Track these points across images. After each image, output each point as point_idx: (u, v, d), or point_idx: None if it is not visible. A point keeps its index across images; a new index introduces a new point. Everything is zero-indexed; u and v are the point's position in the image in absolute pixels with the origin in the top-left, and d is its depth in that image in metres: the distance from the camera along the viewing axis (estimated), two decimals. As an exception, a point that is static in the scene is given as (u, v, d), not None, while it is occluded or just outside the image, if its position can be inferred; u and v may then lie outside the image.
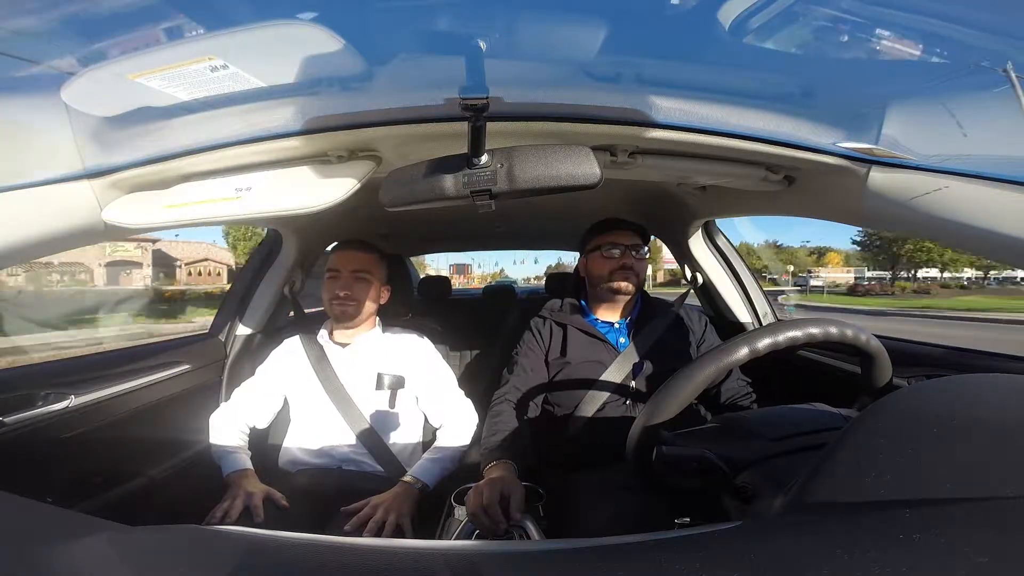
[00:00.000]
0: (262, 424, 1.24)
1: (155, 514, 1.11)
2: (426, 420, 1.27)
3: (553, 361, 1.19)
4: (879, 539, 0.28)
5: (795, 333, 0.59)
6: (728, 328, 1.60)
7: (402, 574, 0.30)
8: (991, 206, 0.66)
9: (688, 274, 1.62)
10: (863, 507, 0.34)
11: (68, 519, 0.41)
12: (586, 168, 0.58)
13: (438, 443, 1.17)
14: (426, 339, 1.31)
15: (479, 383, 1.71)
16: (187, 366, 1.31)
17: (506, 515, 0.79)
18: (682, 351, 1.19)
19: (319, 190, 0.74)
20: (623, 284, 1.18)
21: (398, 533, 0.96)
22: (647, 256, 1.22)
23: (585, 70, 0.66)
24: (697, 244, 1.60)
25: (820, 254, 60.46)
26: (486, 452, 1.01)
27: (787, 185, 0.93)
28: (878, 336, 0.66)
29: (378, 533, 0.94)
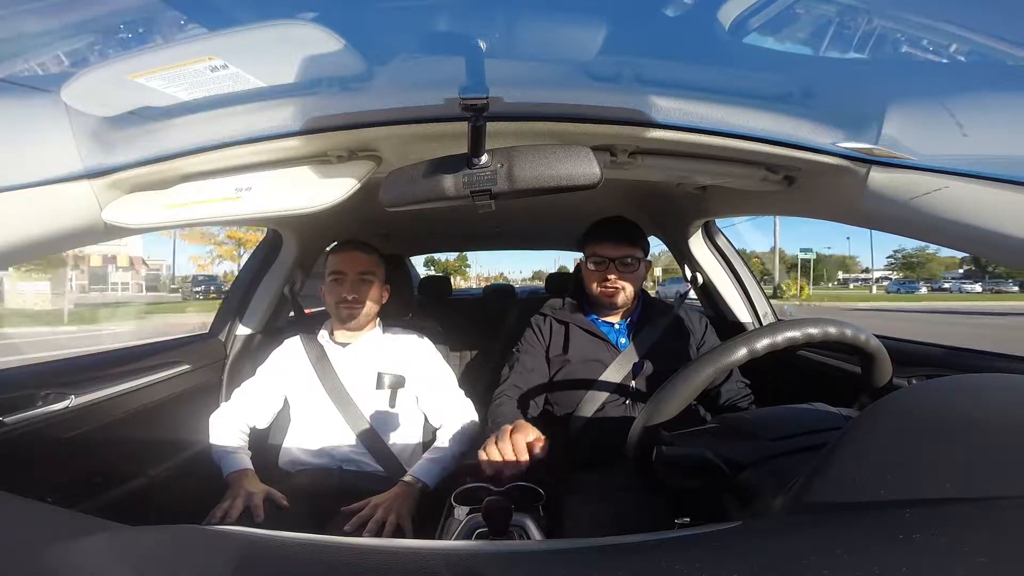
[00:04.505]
0: (262, 424, 1.24)
1: (155, 514, 1.11)
2: (426, 420, 1.27)
3: (554, 358, 1.19)
4: (879, 539, 0.28)
5: (794, 333, 0.59)
6: (728, 328, 1.60)
7: (402, 574, 0.30)
8: (991, 206, 0.66)
9: (688, 274, 1.62)
10: (863, 507, 0.34)
11: (68, 519, 0.41)
12: (586, 168, 0.58)
13: (438, 443, 1.17)
14: (426, 339, 1.31)
15: (479, 383, 1.72)
16: (187, 366, 1.31)
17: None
18: (682, 351, 1.19)
19: (319, 190, 0.74)
20: (609, 297, 1.16)
21: (398, 533, 0.96)
22: (639, 265, 1.17)
23: (585, 70, 0.66)
24: (697, 244, 1.60)
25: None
26: (496, 426, 1.04)
27: (787, 185, 0.92)
28: (878, 336, 0.65)
29: (378, 533, 0.94)
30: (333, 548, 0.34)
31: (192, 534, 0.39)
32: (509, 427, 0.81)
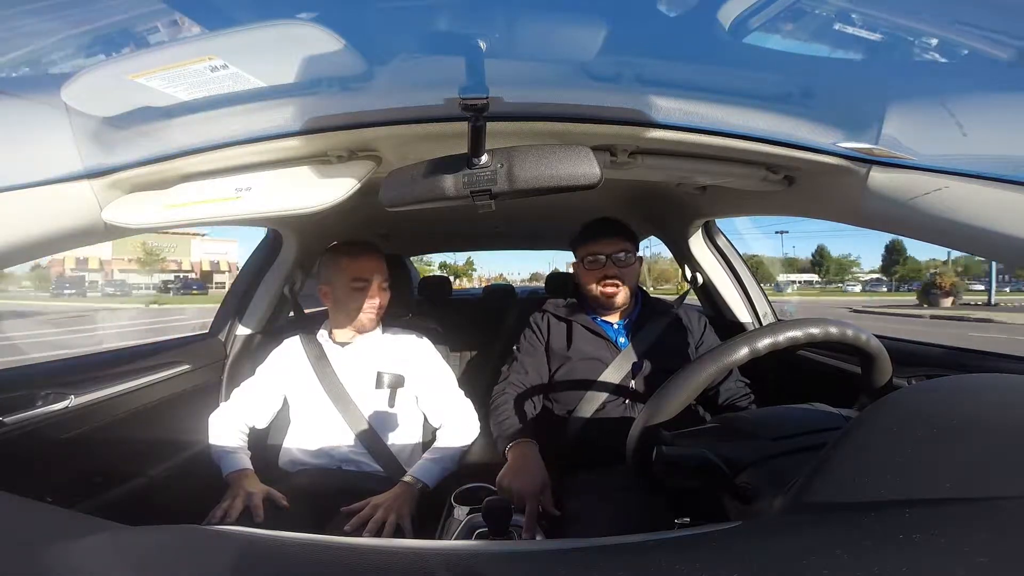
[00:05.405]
0: (262, 424, 1.24)
1: (155, 514, 1.11)
2: (426, 420, 1.27)
3: (555, 354, 1.19)
4: (879, 539, 0.28)
5: (795, 333, 0.59)
6: (728, 328, 1.60)
7: (402, 574, 0.30)
8: (991, 206, 0.66)
9: (688, 274, 1.62)
10: (863, 507, 0.33)
11: (68, 519, 0.41)
12: (586, 168, 0.58)
13: (438, 443, 1.17)
14: (426, 339, 1.31)
15: (479, 383, 1.71)
16: (187, 366, 1.31)
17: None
18: (681, 351, 1.19)
19: (319, 190, 0.74)
20: (609, 295, 1.17)
21: (398, 533, 0.96)
22: (635, 260, 1.19)
23: (585, 70, 0.66)
24: (697, 244, 1.60)
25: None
26: (501, 429, 1.08)
27: (787, 185, 0.92)
28: (878, 336, 0.66)
29: (378, 533, 0.94)
30: (333, 548, 0.33)
31: (192, 534, 0.39)
32: (537, 493, 0.90)
